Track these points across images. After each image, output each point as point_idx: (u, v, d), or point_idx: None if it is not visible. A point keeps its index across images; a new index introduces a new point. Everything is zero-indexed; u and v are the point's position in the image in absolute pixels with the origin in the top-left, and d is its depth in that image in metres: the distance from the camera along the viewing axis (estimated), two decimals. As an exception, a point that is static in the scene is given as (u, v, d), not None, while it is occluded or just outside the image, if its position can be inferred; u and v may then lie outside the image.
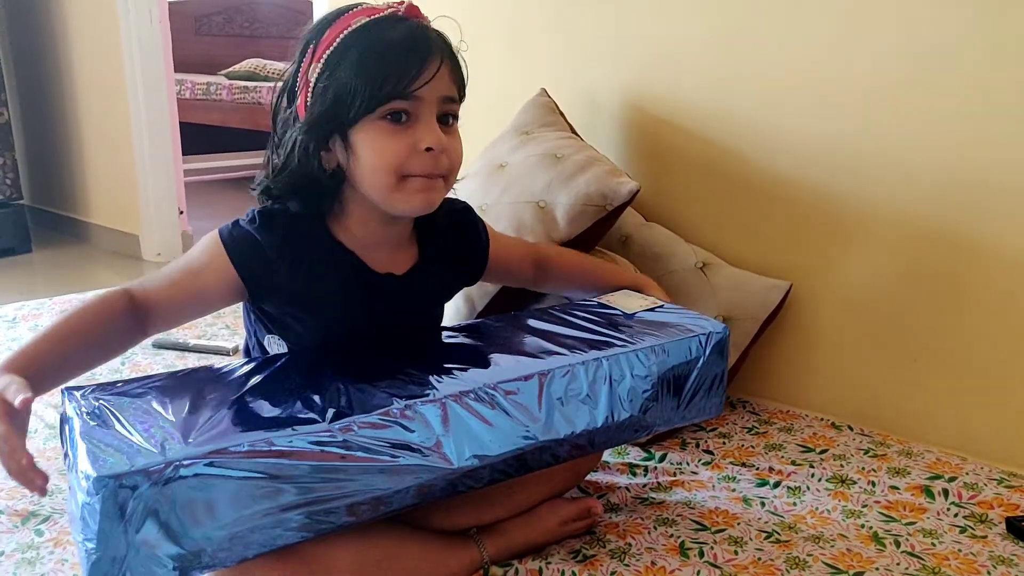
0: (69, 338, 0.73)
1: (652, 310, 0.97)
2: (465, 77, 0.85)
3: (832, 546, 0.91)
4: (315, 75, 0.79)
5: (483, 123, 1.58)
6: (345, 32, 0.79)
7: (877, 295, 1.22)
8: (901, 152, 1.17)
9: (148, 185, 2.78)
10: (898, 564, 0.89)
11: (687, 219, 1.41)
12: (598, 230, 1.21)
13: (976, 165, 1.11)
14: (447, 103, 0.81)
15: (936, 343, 1.18)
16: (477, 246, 0.98)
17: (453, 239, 0.94)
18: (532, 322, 0.93)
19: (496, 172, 1.33)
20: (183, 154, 2.96)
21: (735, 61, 1.32)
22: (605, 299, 1.00)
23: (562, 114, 1.45)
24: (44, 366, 0.69)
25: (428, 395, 0.72)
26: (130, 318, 0.77)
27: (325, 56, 0.79)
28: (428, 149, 0.79)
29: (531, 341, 0.86)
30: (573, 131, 1.43)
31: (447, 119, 0.82)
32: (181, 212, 2.92)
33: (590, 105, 1.51)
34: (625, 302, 0.99)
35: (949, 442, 1.17)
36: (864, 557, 0.90)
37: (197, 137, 3.98)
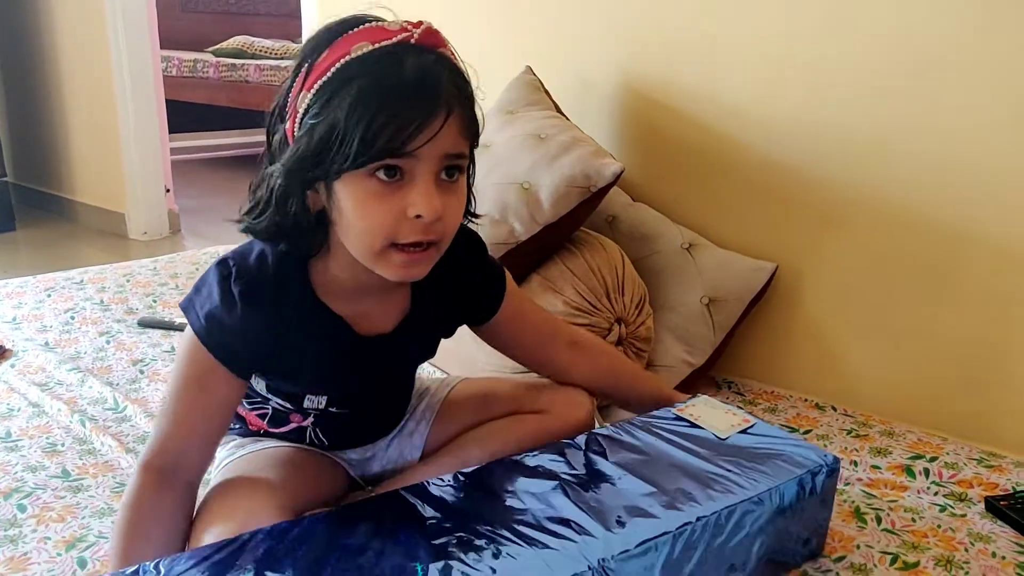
0: (144, 547, 0.70)
1: (745, 431, 0.87)
2: (481, 125, 0.73)
3: (813, 524, 0.92)
4: (303, 105, 0.68)
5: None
6: (344, 60, 0.66)
7: (861, 278, 1.23)
8: (888, 139, 1.17)
9: (134, 163, 2.76)
10: (878, 541, 0.90)
11: (674, 200, 1.41)
12: (582, 211, 1.21)
13: (961, 152, 1.11)
14: (450, 159, 0.68)
15: (918, 326, 1.18)
16: (480, 287, 0.87)
17: (453, 277, 0.81)
18: (614, 448, 0.82)
19: (480, 152, 1.31)
20: (169, 132, 2.94)
21: (726, 43, 1.31)
22: (687, 413, 0.89)
23: (547, 93, 1.44)
24: None
25: None
26: (176, 492, 0.73)
27: (317, 85, 0.67)
28: (418, 216, 0.67)
29: (630, 482, 0.76)
30: (559, 110, 1.42)
31: (451, 173, 0.70)
32: (168, 190, 2.90)
33: (578, 84, 1.50)
34: (712, 419, 0.88)
35: (930, 423, 1.18)
36: (845, 535, 0.91)
37: (183, 115, 3.94)
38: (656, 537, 0.69)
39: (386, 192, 0.67)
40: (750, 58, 1.29)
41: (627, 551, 0.67)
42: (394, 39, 0.67)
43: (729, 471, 0.79)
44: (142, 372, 1.29)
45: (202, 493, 0.77)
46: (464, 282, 0.84)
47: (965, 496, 1.00)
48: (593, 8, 1.47)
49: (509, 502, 0.73)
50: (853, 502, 0.97)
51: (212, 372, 0.73)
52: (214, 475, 0.84)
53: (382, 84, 0.65)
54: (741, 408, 0.95)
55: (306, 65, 0.68)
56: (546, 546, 0.67)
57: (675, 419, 0.89)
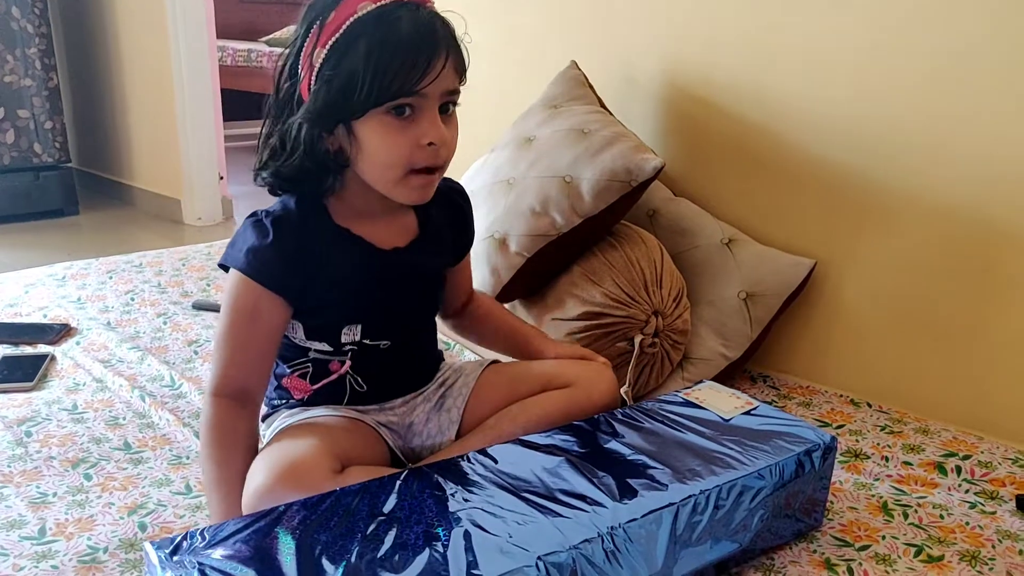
0: (233, 457, 0.82)
1: (748, 412, 0.93)
2: (467, 64, 0.86)
3: (841, 516, 0.94)
4: (320, 60, 0.79)
5: (514, 95, 1.60)
6: (351, 19, 0.78)
7: (901, 275, 1.23)
8: (931, 134, 1.16)
9: (190, 150, 2.86)
10: (904, 534, 0.91)
11: (716, 195, 1.42)
12: (623, 205, 1.23)
13: (1005, 149, 1.10)
14: (449, 95, 0.83)
15: (958, 324, 1.18)
16: (468, 225, 1.02)
17: (448, 212, 0.98)
18: (624, 429, 0.88)
19: (524, 146, 1.35)
20: (224, 120, 3.02)
21: (769, 39, 1.31)
22: (693, 396, 0.96)
23: (592, 87, 1.46)
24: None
25: (555, 552, 0.67)
26: (242, 412, 0.84)
27: (331, 43, 0.79)
28: (431, 144, 0.81)
29: (637, 459, 0.82)
30: (602, 105, 1.44)
31: (447, 107, 0.84)
32: (221, 177, 2.99)
33: (623, 79, 1.52)
34: (717, 401, 0.95)
35: (967, 421, 1.18)
36: (871, 526, 0.92)
37: (237, 103, 4.05)
38: (662, 508, 0.74)
39: (402, 126, 0.80)
40: (793, 53, 1.29)
41: (634, 520, 0.72)
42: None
43: (732, 449, 0.85)
44: (196, 352, 1.36)
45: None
46: (459, 222, 1.00)
47: (996, 494, 1.00)
48: (639, 4, 1.48)
49: (524, 476, 0.78)
50: (881, 497, 0.99)
51: (259, 300, 0.83)
52: (266, 442, 0.90)
53: (391, 37, 0.78)
54: (768, 401, 0.97)
55: (316, 24, 0.80)
56: (558, 515, 0.72)
57: (683, 403, 0.95)
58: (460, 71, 0.84)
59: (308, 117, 0.81)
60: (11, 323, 1.44)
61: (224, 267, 0.86)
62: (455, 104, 0.85)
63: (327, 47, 0.79)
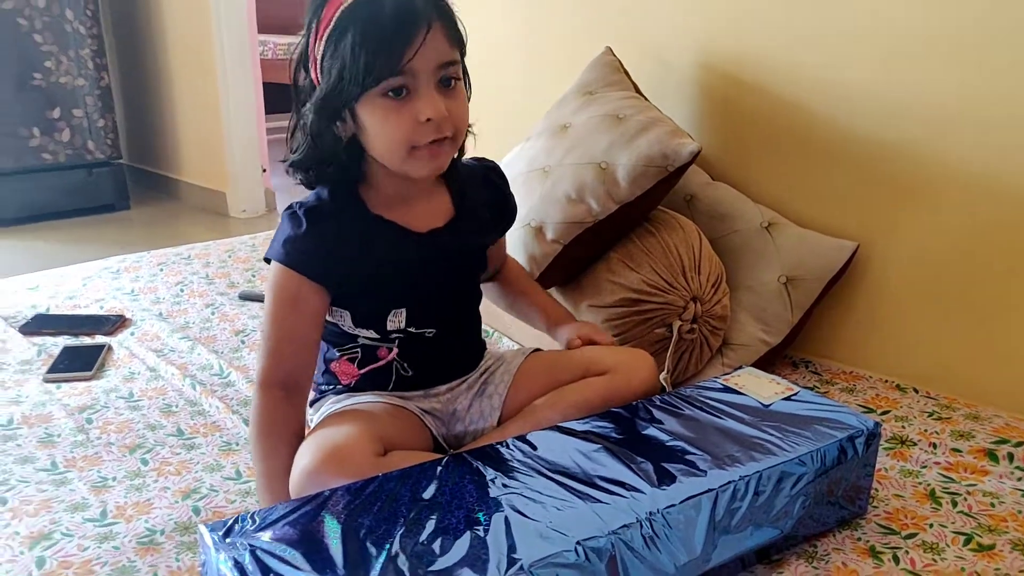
0: (280, 449, 0.85)
1: (789, 398, 0.92)
2: (464, 34, 0.86)
3: (886, 504, 0.93)
4: (319, 53, 0.83)
5: (549, 81, 1.60)
6: (340, 9, 0.81)
7: (946, 256, 1.20)
8: (973, 109, 1.13)
9: (234, 144, 2.92)
10: (953, 522, 0.90)
11: (754, 178, 1.40)
12: (660, 191, 1.23)
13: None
14: (444, 68, 0.83)
15: (1007, 305, 1.15)
16: (508, 200, 1.03)
17: (484, 189, 0.99)
18: (662, 415, 0.89)
19: (559, 133, 1.35)
20: (266, 113, 3.08)
21: (803, 18, 1.29)
22: (732, 382, 0.96)
23: (627, 73, 1.45)
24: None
25: (594, 536, 0.68)
26: (290, 402, 0.87)
27: (325, 36, 0.82)
28: (428, 120, 0.82)
29: (676, 445, 0.82)
30: (637, 90, 1.43)
31: (448, 82, 0.84)
32: (264, 170, 3.04)
33: (658, 64, 1.51)
34: (756, 386, 0.94)
35: (1019, 407, 1.15)
36: (918, 514, 0.91)
37: (279, 96, 4.10)
38: (701, 494, 0.74)
39: (398, 106, 0.82)
40: (828, 32, 1.26)
41: (673, 505, 0.72)
42: None
43: (772, 435, 0.84)
44: (243, 342, 1.40)
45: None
46: (496, 199, 1.02)
47: (1049, 481, 0.98)
48: (674, -14, 1.47)
49: (563, 463, 0.79)
50: (929, 484, 0.97)
51: (299, 289, 0.86)
52: (313, 426, 0.93)
53: (370, 21, 0.80)
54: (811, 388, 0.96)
55: (314, 23, 0.83)
56: (597, 500, 0.73)
57: (722, 389, 0.94)
58: (454, 42, 0.84)
59: (314, 107, 0.84)
60: (71, 315, 1.50)
61: (268, 261, 0.89)
62: (456, 78, 0.85)
63: (323, 40, 0.83)
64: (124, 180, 3.03)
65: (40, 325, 1.44)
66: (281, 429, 0.86)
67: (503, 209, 1.03)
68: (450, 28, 0.84)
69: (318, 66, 0.84)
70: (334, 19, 0.81)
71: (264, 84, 3.05)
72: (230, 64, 2.83)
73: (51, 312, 1.52)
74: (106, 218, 2.93)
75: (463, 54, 0.87)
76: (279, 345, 0.87)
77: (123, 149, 3.14)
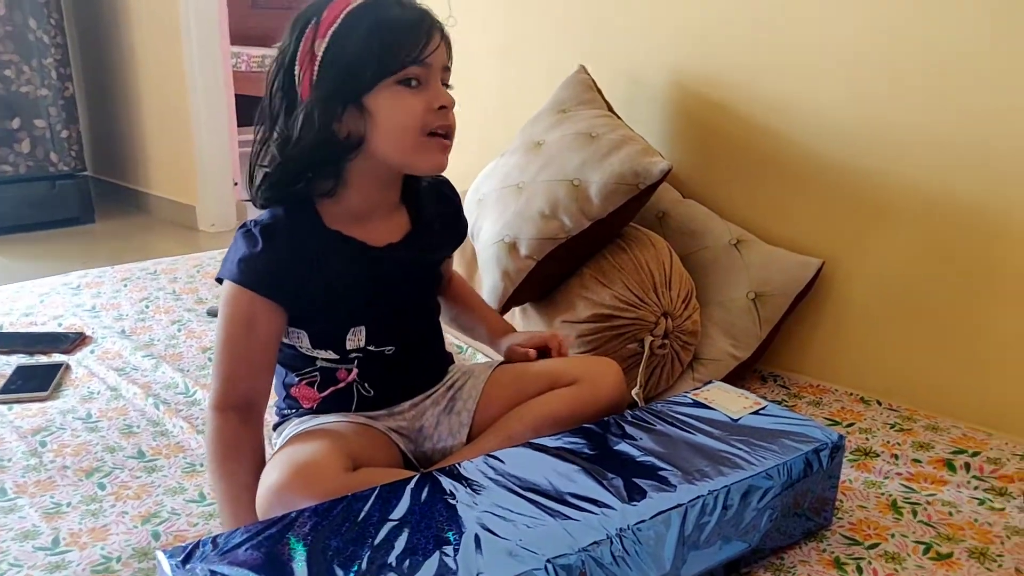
0: (240, 471, 0.84)
1: (757, 412, 0.93)
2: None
3: (850, 515, 0.94)
4: (322, 50, 0.83)
5: (524, 98, 1.61)
6: (347, 10, 0.83)
7: (908, 272, 1.22)
8: (934, 132, 1.16)
9: (204, 157, 2.88)
10: (913, 532, 0.91)
11: (723, 196, 1.42)
12: (631, 208, 1.24)
13: (1009, 145, 1.10)
14: (446, 71, 0.89)
15: (966, 320, 1.18)
16: (459, 215, 1.05)
17: (438, 203, 1.00)
18: (633, 431, 0.89)
19: (533, 150, 1.36)
20: (238, 126, 3.05)
21: (774, 42, 1.32)
22: (702, 397, 0.97)
23: (599, 91, 1.47)
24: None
25: (564, 554, 0.69)
26: (247, 424, 0.86)
27: (330, 32, 0.83)
28: (442, 107, 0.86)
29: (646, 461, 0.83)
30: (610, 109, 1.44)
31: (446, 85, 0.89)
32: (236, 183, 3.01)
33: (630, 83, 1.53)
34: (725, 401, 0.95)
35: (976, 418, 1.18)
36: (880, 524, 0.92)
37: (252, 109, 4.06)
38: (670, 509, 0.75)
39: (414, 92, 0.85)
40: (796, 55, 1.29)
41: (643, 521, 0.73)
42: None
43: (740, 449, 0.85)
44: (210, 359, 1.37)
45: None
46: (450, 215, 1.03)
47: (1005, 491, 1.00)
48: (643, 8, 1.49)
49: (534, 480, 0.79)
50: (891, 495, 0.99)
51: (254, 309, 0.85)
52: (283, 440, 0.91)
53: (389, 17, 0.84)
54: (766, 398, 0.97)
55: (312, 22, 0.84)
56: (568, 517, 0.73)
57: (692, 403, 0.95)
58: (450, 53, 0.89)
59: (318, 102, 0.83)
60: (26, 332, 1.46)
61: (220, 281, 0.87)
62: (448, 86, 0.89)
63: (327, 37, 0.83)
64: (89, 193, 2.98)
65: (-6, 342, 1.40)
66: (239, 451, 0.85)
67: (455, 223, 1.04)
68: (448, 42, 0.89)
69: (316, 63, 0.84)
70: (341, 17, 0.83)
71: (236, 96, 3.02)
72: (201, 75, 2.80)
73: (4, 330, 1.48)
74: (70, 232, 2.87)
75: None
76: (234, 368, 0.85)
77: (88, 161, 3.08)
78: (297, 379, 0.94)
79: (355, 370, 0.93)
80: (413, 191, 0.96)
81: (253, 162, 0.89)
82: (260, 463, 0.85)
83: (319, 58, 0.83)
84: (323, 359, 0.93)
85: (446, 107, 0.86)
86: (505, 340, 1.08)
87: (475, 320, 1.12)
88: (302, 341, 0.91)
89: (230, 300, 0.85)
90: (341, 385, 0.93)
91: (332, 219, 0.89)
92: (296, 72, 0.85)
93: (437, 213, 0.99)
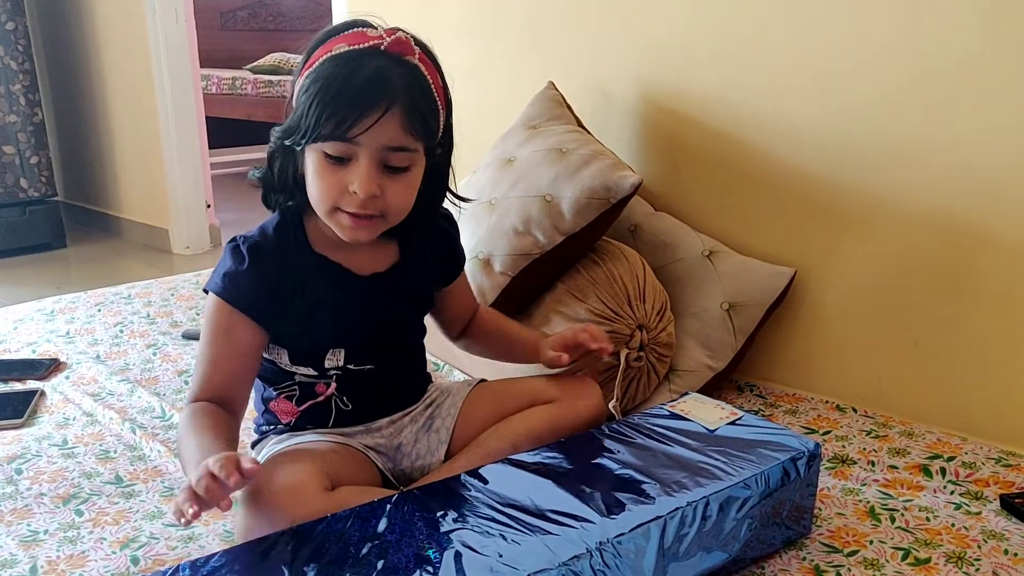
0: (206, 434, 0.81)
1: (733, 423, 0.94)
2: (436, 123, 0.85)
3: (829, 523, 0.95)
4: (297, 87, 0.84)
5: (495, 115, 1.62)
6: (325, 56, 0.81)
7: (880, 281, 1.25)
8: (904, 143, 1.19)
9: (176, 180, 2.86)
10: (891, 538, 0.92)
11: (695, 208, 1.44)
12: (603, 222, 1.25)
13: (976, 156, 1.13)
14: (391, 152, 0.81)
15: (937, 327, 1.20)
16: (454, 250, 1.02)
17: (434, 238, 0.99)
18: (611, 444, 0.89)
19: (505, 166, 1.37)
20: (209, 148, 3.04)
21: (743, 55, 1.34)
22: (679, 408, 0.97)
23: (569, 107, 1.49)
24: None
25: (544, 569, 0.68)
26: (223, 410, 0.86)
27: (305, 75, 0.83)
28: (354, 192, 0.81)
29: (625, 474, 0.83)
30: (580, 124, 1.46)
31: (395, 168, 0.83)
32: (208, 205, 2.99)
33: (600, 98, 1.54)
34: (702, 412, 0.96)
35: (950, 423, 1.19)
36: (859, 531, 0.93)
37: (223, 131, 4.07)
38: (649, 521, 0.75)
39: (334, 168, 0.82)
40: (766, 69, 1.31)
41: (622, 534, 0.73)
42: (366, 44, 0.81)
43: (718, 460, 0.86)
44: (186, 383, 1.36)
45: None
46: (444, 247, 1.01)
47: (981, 495, 1.01)
48: (612, 24, 1.51)
49: (513, 496, 0.79)
50: (868, 502, 1.00)
51: (232, 323, 0.86)
52: (262, 461, 0.90)
53: (336, 81, 0.79)
54: (744, 408, 0.98)
55: (308, 55, 0.84)
56: (548, 532, 0.73)
57: (669, 415, 0.96)
58: (414, 128, 0.81)
59: (280, 132, 0.85)
60: (0, 360, 1.44)
61: (207, 291, 0.89)
62: (404, 167, 0.83)
63: (302, 78, 0.84)
64: (60, 218, 2.94)
65: (-32, 371, 1.38)
66: (212, 419, 0.83)
67: (450, 257, 1.02)
68: (412, 114, 0.81)
69: (295, 97, 0.85)
70: (318, 61, 0.82)
71: (208, 119, 3.02)
72: (171, 98, 2.79)
73: (-19, 357, 1.46)
74: (41, 257, 2.84)
75: (431, 138, 0.85)
76: (211, 372, 0.87)
77: (59, 186, 3.05)
78: (275, 393, 0.94)
79: (333, 384, 0.93)
80: (405, 223, 0.92)
81: (261, 169, 0.92)
82: (234, 439, 0.84)
83: (294, 96, 0.85)
84: (302, 374, 0.93)
85: (359, 194, 0.81)
86: (542, 352, 1.02)
87: (516, 353, 1.07)
88: (281, 357, 0.92)
89: (212, 312, 0.87)
90: (319, 399, 0.93)
91: (319, 241, 0.90)
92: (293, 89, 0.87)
93: (431, 246, 0.98)
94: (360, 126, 0.79)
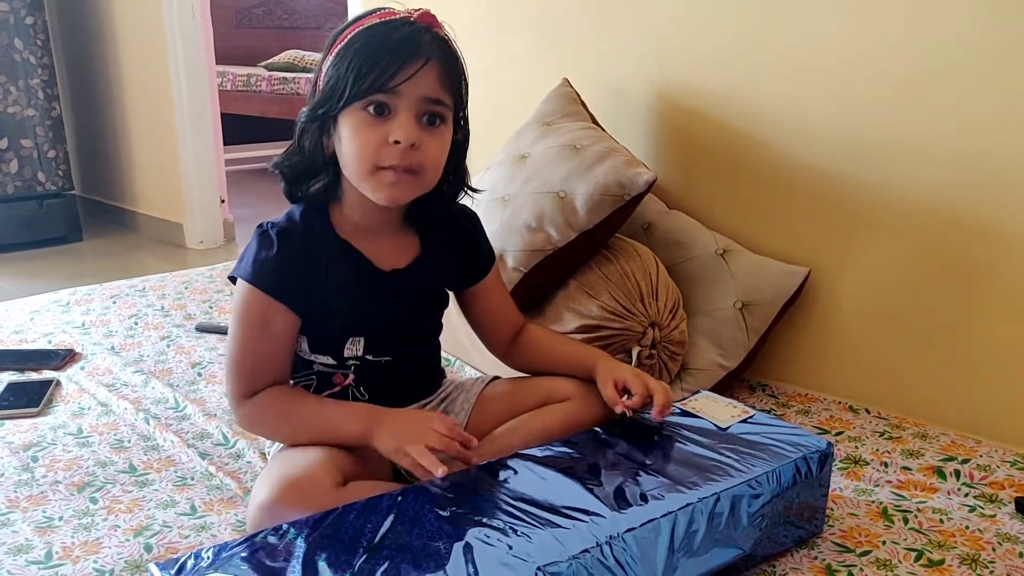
0: (306, 409, 0.90)
1: (745, 421, 0.93)
2: (464, 83, 0.89)
3: (841, 523, 0.95)
4: (326, 66, 0.86)
5: (509, 112, 1.62)
6: (356, 30, 0.85)
7: (894, 280, 1.24)
8: (918, 141, 1.18)
9: (191, 175, 2.88)
10: (905, 539, 0.91)
11: (709, 206, 1.43)
12: (617, 219, 1.25)
13: (992, 153, 1.12)
14: (430, 103, 0.85)
15: (953, 327, 1.19)
16: (477, 248, 1.02)
17: (455, 236, 0.99)
18: (622, 441, 0.89)
19: (519, 163, 1.37)
20: (224, 144, 3.05)
21: (758, 52, 1.33)
22: (690, 406, 0.97)
23: (583, 104, 1.48)
24: None
25: (554, 562, 0.68)
26: (274, 388, 0.90)
27: (336, 50, 0.85)
28: (396, 142, 0.83)
29: (635, 470, 0.83)
30: (594, 121, 1.46)
31: (432, 119, 0.86)
32: (222, 201, 3.01)
33: (614, 95, 1.54)
34: (713, 410, 0.96)
35: (965, 425, 1.18)
36: (872, 532, 0.93)
37: (237, 127, 4.09)
38: (660, 517, 0.75)
39: (374, 123, 0.84)
40: (778, 64, 1.31)
41: (633, 529, 0.73)
42: (396, 16, 0.86)
43: (729, 457, 0.86)
44: (200, 375, 1.37)
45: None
46: (465, 245, 1.00)
47: (996, 497, 1.00)
48: (627, 21, 1.51)
49: (524, 490, 0.79)
50: (881, 503, 0.99)
51: (267, 309, 0.87)
52: (271, 458, 0.92)
53: (376, 39, 0.83)
54: (756, 407, 0.98)
55: (335, 38, 0.87)
56: (558, 526, 0.73)
57: (680, 413, 0.96)
58: (448, 85, 0.86)
59: (306, 114, 0.87)
60: (17, 350, 1.46)
61: (233, 280, 0.89)
62: (441, 119, 0.87)
63: (333, 54, 0.86)
64: (76, 212, 2.97)
65: (-16, 360, 1.40)
66: (292, 396, 0.89)
67: (472, 255, 1.01)
68: (447, 71, 0.86)
69: (321, 77, 0.87)
70: (347, 37, 0.85)
71: (223, 115, 3.03)
72: (187, 94, 2.81)
73: (-3, 347, 1.47)
74: (57, 251, 2.86)
75: (459, 104, 0.89)
76: (251, 366, 0.88)
77: (76, 180, 3.08)
78: (292, 382, 0.95)
79: (351, 375, 0.94)
80: (426, 216, 0.96)
81: (279, 158, 0.93)
82: (312, 397, 0.90)
83: (322, 73, 0.87)
84: (321, 364, 0.94)
85: (400, 143, 0.83)
86: (601, 368, 0.97)
87: (569, 373, 1.00)
88: (301, 345, 0.93)
89: (244, 300, 0.88)
90: (336, 389, 0.94)
91: (343, 229, 0.92)
92: (317, 82, 0.89)
93: (450, 242, 0.98)
94: (403, 74, 0.82)
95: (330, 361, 0.93)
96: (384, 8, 0.88)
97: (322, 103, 0.85)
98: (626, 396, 0.94)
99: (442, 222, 0.97)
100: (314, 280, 0.88)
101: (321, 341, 0.93)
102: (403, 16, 0.86)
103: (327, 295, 0.89)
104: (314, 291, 0.89)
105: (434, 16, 0.88)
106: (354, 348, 0.93)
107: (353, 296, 0.91)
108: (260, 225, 0.90)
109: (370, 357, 0.94)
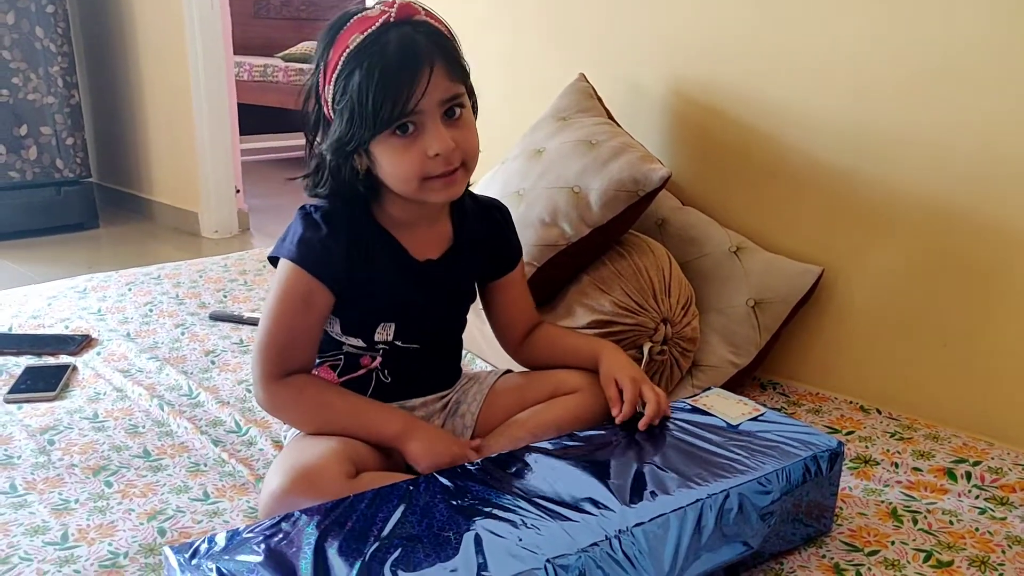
0: (338, 402, 0.92)
1: (756, 418, 0.94)
2: (465, 64, 0.88)
3: (850, 522, 0.95)
4: (329, 96, 0.86)
5: (524, 107, 1.62)
6: (345, 53, 0.83)
7: (908, 280, 1.23)
8: (933, 140, 1.17)
9: (207, 165, 2.90)
10: (914, 539, 0.91)
11: (723, 203, 1.43)
12: (631, 215, 1.25)
13: (1008, 152, 1.11)
14: (448, 102, 0.85)
15: (966, 328, 1.18)
16: (507, 241, 1.04)
17: (487, 228, 1.01)
18: (632, 435, 0.90)
19: (534, 157, 1.37)
20: (240, 134, 3.07)
21: (774, 49, 1.33)
22: (701, 403, 0.98)
23: (599, 99, 1.48)
24: None
25: (564, 554, 0.69)
26: (303, 376, 0.92)
27: (334, 78, 0.85)
28: (437, 155, 0.84)
29: (646, 465, 0.83)
30: (610, 116, 1.46)
31: (452, 112, 0.87)
32: (238, 191, 3.03)
33: (630, 90, 1.54)
34: (724, 407, 0.96)
35: (977, 427, 1.18)
36: (880, 532, 0.93)
37: (254, 118, 4.10)
38: (669, 512, 0.75)
39: (407, 144, 0.85)
40: (795, 61, 1.30)
41: (642, 523, 0.73)
42: (377, 24, 0.83)
43: (739, 454, 0.86)
44: (213, 362, 1.39)
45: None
46: (494, 237, 1.02)
47: (1007, 500, 1.00)
48: (643, 16, 1.50)
49: (534, 482, 0.80)
50: (891, 503, 0.99)
51: (310, 288, 0.88)
52: (286, 443, 0.93)
53: (376, 66, 0.82)
54: (770, 406, 0.98)
55: (322, 64, 0.86)
56: (567, 519, 0.74)
57: (691, 409, 0.96)
58: (455, 75, 0.86)
59: (331, 148, 0.87)
60: (34, 335, 1.47)
61: (273, 260, 0.91)
62: (462, 106, 0.87)
63: (332, 83, 0.85)
64: (93, 199, 2.99)
65: (1, 344, 1.41)
66: (321, 387, 0.91)
67: (501, 250, 1.03)
68: (451, 65, 0.85)
69: (330, 107, 0.86)
70: (340, 62, 0.83)
71: (239, 105, 3.05)
72: (204, 84, 2.82)
73: (13, 332, 1.49)
74: (74, 237, 2.89)
75: (467, 81, 0.89)
76: (288, 342, 0.89)
77: (93, 168, 3.10)
78: (319, 361, 0.97)
79: (379, 359, 0.96)
80: (461, 207, 0.98)
81: (307, 166, 0.94)
82: (344, 391, 0.92)
83: (329, 103, 0.86)
84: (350, 345, 0.96)
85: (440, 155, 0.84)
86: (603, 365, 0.99)
87: (573, 365, 1.02)
88: (333, 327, 0.95)
89: (287, 279, 0.89)
90: (362, 372, 0.96)
91: (382, 218, 0.94)
92: (321, 99, 0.89)
93: (480, 237, 1.00)
94: (416, 94, 0.82)
95: (360, 344, 0.95)
96: (354, 13, 0.85)
97: (346, 140, 0.85)
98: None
99: (473, 212, 0.99)
100: (355, 263, 0.90)
101: (354, 324, 0.94)
102: (382, 21, 0.83)
103: (365, 279, 0.91)
104: (354, 274, 0.90)
105: (409, 3, 0.86)
106: (385, 333, 0.94)
107: (390, 282, 0.93)
108: (303, 207, 0.91)
109: (399, 343, 0.95)
